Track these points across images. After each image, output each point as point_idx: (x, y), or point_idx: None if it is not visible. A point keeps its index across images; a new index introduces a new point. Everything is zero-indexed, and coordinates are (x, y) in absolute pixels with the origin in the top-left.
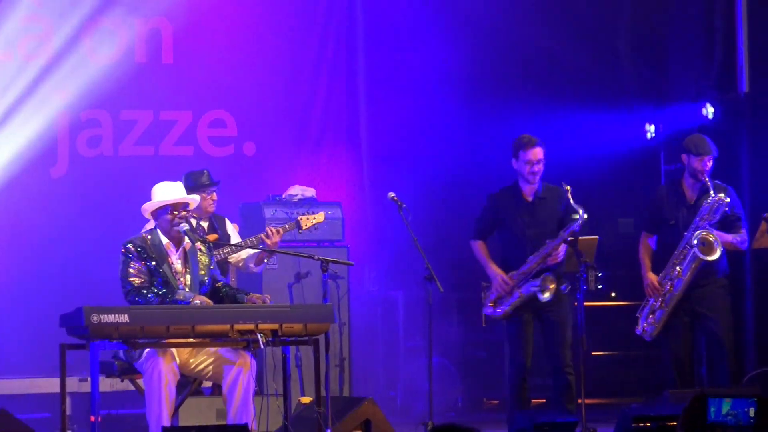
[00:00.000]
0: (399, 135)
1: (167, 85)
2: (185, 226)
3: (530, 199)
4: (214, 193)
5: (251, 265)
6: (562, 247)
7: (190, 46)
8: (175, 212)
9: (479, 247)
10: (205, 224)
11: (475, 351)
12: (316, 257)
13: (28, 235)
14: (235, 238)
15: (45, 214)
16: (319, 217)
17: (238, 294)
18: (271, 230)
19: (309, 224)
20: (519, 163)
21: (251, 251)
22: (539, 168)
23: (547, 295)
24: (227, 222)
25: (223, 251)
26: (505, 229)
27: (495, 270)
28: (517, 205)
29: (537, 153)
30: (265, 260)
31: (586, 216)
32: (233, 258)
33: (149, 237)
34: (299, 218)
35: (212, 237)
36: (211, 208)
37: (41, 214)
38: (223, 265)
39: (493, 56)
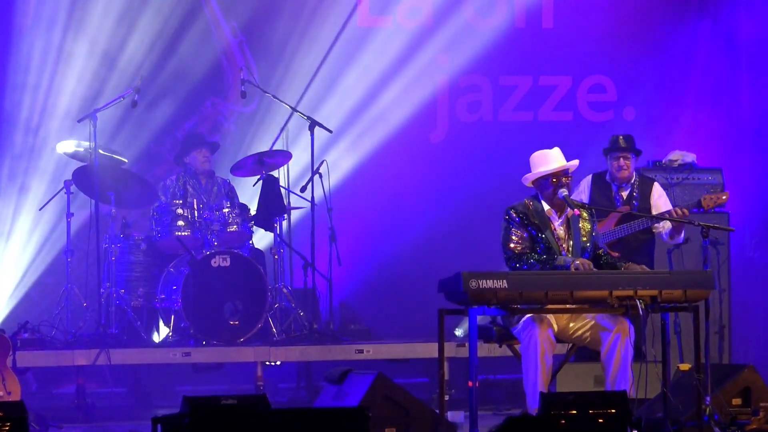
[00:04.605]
0: None
1: (547, 50)
2: (564, 192)
3: None
4: (622, 159)
5: (665, 235)
6: None
7: (571, 11)
8: (554, 180)
9: None
10: (624, 193)
11: None
12: (696, 223)
13: (406, 199)
14: (658, 206)
15: (423, 178)
16: (724, 197)
17: (618, 262)
18: (676, 211)
19: (711, 205)
20: None
21: (668, 225)
22: None
23: None
24: (655, 187)
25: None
26: None
27: None
28: None
29: None
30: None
31: None
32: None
33: (531, 204)
34: (702, 198)
35: (624, 208)
36: (620, 174)
37: (420, 177)
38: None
39: None
